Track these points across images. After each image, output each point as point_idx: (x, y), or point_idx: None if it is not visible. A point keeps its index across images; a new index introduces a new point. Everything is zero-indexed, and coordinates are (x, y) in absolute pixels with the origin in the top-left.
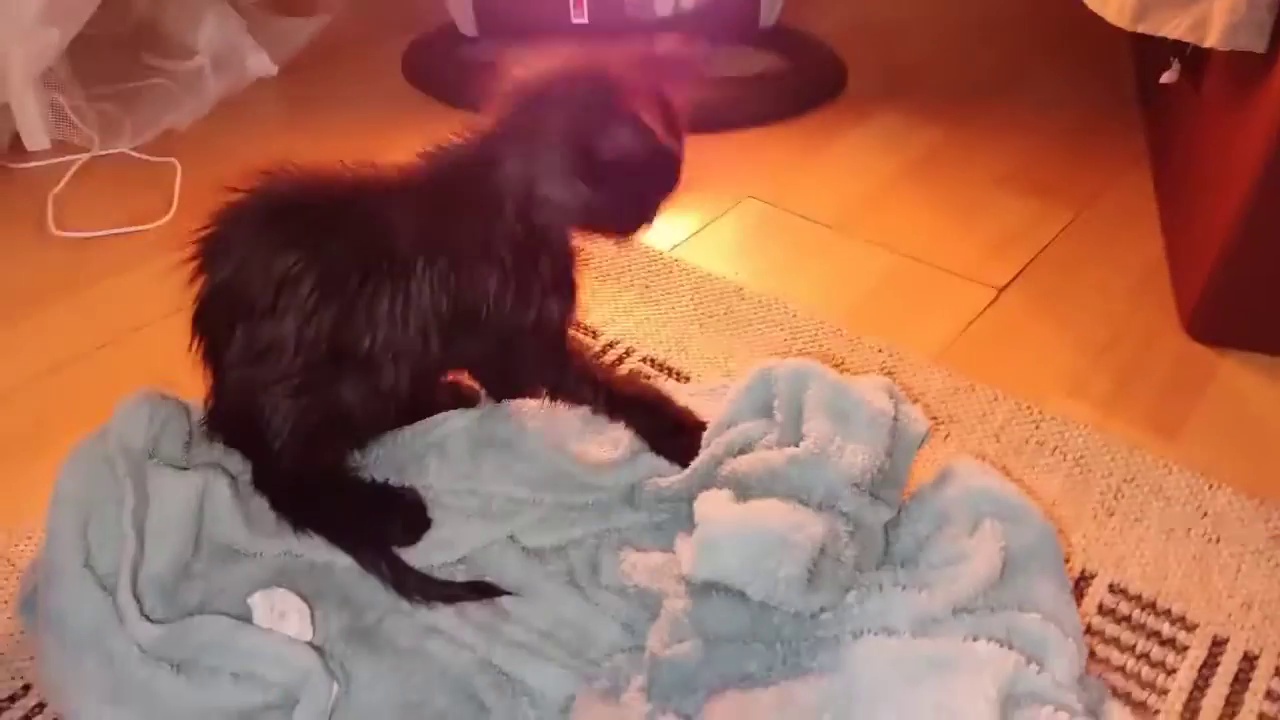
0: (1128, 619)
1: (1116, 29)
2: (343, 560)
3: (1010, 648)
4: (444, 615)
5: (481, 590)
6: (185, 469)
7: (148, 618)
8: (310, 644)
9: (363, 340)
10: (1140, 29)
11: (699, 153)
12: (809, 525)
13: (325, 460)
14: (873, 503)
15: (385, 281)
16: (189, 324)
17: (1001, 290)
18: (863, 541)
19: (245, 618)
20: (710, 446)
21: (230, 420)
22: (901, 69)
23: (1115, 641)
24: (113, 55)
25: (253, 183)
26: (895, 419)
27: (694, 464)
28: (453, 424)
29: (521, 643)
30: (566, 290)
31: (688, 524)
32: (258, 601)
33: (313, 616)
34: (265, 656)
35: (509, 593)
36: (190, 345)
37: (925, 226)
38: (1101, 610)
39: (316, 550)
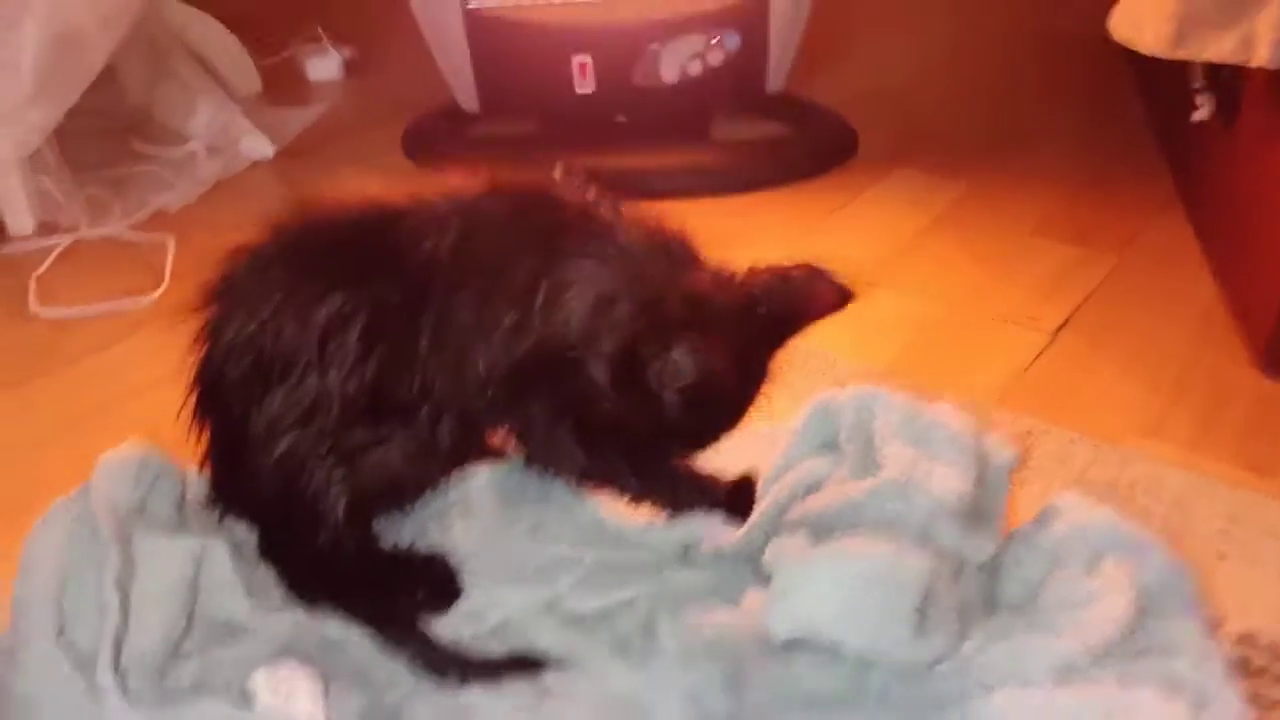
0: (1264, 672)
1: (1121, 79)
2: (358, 634)
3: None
4: (477, 695)
5: (524, 664)
6: (179, 532)
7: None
8: None
9: (408, 384)
10: (1180, 55)
11: (709, 218)
12: (912, 558)
13: (368, 532)
14: (974, 534)
15: (429, 312)
16: (193, 388)
17: (1056, 333)
18: (965, 584)
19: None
20: (771, 493)
21: (261, 497)
22: (913, 133)
23: (1255, 699)
24: (102, 143)
25: (270, 227)
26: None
27: (755, 514)
28: (476, 480)
29: None
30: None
31: (754, 582)
32: (260, 682)
33: (326, 695)
34: None
35: (553, 665)
36: (194, 414)
37: (962, 276)
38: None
39: (329, 625)
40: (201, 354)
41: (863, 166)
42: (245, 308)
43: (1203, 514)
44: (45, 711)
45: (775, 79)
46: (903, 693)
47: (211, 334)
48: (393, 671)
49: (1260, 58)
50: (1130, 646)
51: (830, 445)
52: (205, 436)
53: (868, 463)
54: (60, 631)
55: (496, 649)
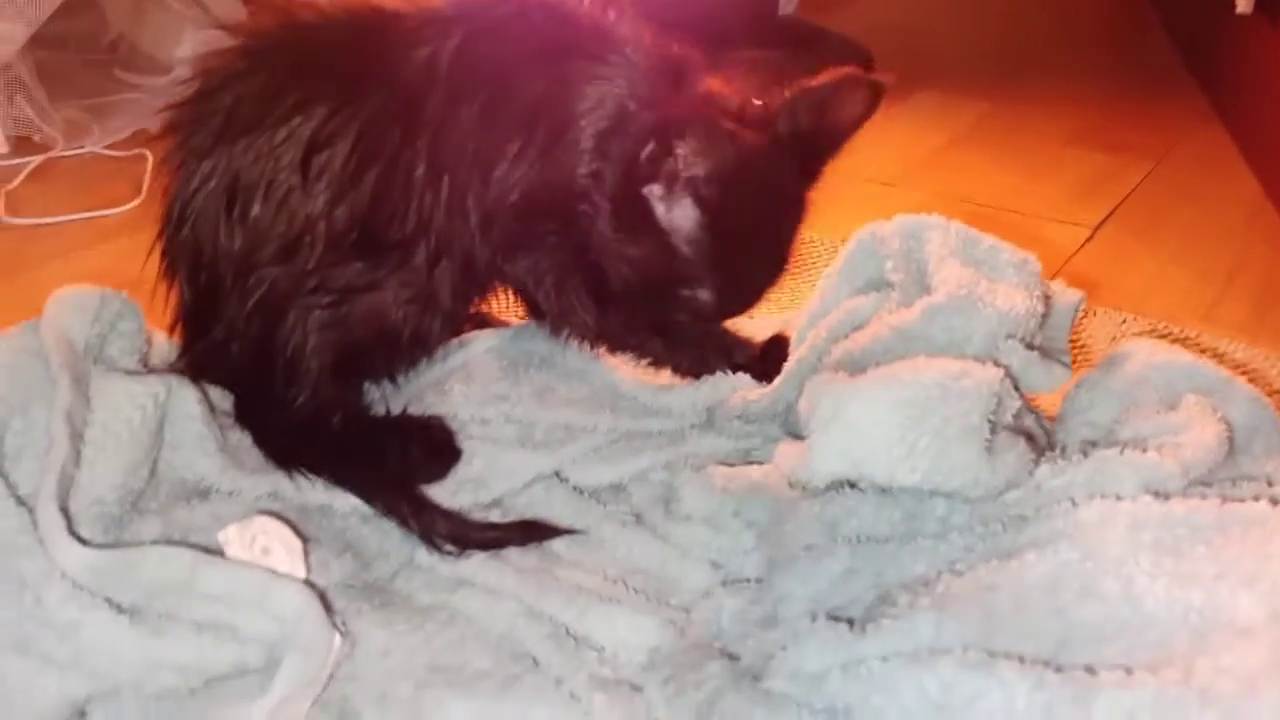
0: None
1: (1138, 14)
2: (344, 501)
3: None
4: (478, 564)
5: (530, 532)
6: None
7: (82, 541)
8: (306, 583)
9: (402, 217)
10: None
11: None
12: (976, 370)
13: (354, 394)
14: (1043, 359)
15: (425, 133)
16: (160, 233)
17: (1097, 228)
18: (1028, 421)
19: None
20: (808, 339)
21: (237, 355)
22: (929, 61)
23: None
24: (84, 73)
25: (247, 33)
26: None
27: (788, 364)
28: (478, 345)
29: (582, 587)
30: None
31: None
32: (232, 536)
33: (306, 555)
34: (242, 599)
35: (564, 532)
36: (162, 266)
37: (995, 181)
38: None
39: (311, 491)
40: (169, 188)
41: None
42: (220, 123)
43: (1273, 384)
44: None
45: (788, 1)
46: (969, 519)
47: (180, 161)
48: (383, 542)
49: None
50: (1225, 474)
51: (875, 285)
52: (174, 294)
53: (920, 290)
54: None
55: (499, 521)
